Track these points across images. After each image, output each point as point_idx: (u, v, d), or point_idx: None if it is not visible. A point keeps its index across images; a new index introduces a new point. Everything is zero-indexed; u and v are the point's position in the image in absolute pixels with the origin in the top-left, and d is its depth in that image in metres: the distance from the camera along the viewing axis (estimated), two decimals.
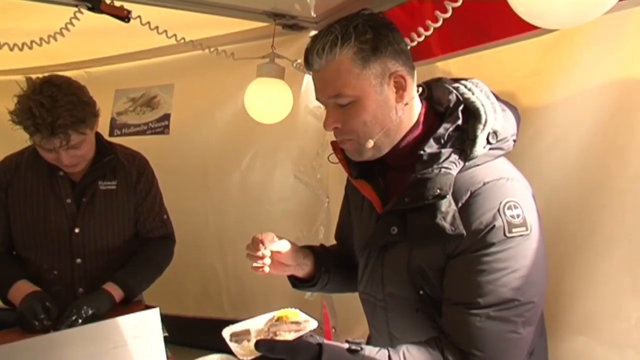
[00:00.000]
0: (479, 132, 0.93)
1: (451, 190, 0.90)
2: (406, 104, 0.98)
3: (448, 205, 0.90)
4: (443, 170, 0.91)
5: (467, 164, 0.93)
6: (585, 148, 1.11)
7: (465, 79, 1.04)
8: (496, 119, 0.95)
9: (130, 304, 1.59)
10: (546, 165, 1.17)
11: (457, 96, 1.00)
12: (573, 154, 1.13)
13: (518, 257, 0.87)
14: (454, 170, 0.92)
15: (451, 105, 0.99)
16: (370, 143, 0.98)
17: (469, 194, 0.90)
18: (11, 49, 1.47)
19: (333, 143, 1.10)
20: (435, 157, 0.93)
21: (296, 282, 1.24)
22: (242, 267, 1.13)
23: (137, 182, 1.69)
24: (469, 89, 1.00)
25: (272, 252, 1.08)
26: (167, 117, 2.39)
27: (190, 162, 2.34)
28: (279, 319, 1.10)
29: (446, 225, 0.89)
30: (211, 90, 2.28)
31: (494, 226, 0.87)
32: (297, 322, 1.07)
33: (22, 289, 1.47)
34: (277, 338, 1.01)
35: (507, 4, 0.83)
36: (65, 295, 1.56)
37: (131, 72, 2.46)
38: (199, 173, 2.35)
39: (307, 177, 2.18)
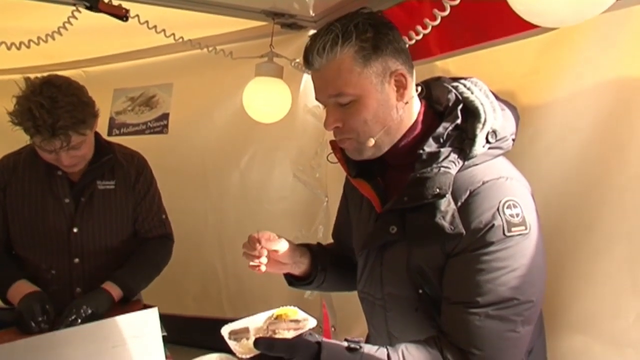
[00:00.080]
0: (478, 131, 0.93)
1: (450, 190, 0.90)
2: (406, 102, 0.98)
3: (447, 205, 0.90)
4: (442, 169, 0.91)
5: (466, 163, 0.93)
6: (584, 147, 1.11)
7: (465, 78, 1.04)
8: (495, 118, 0.96)
9: (129, 304, 1.59)
10: (545, 164, 1.17)
11: (456, 95, 1.00)
12: (572, 153, 1.13)
13: (517, 256, 0.87)
14: (453, 170, 0.92)
15: (450, 104, 0.99)
16: (372, 142, 0.98)
17: (468, 193, 0.90)
18: (8, 48, 1.47)
19: (332, 142, 1.10)
20: (434, 156, 0.93)
21: (292, 280, 1.24)
22: (241, 266, 1.12)
23: (136, 182, 1.68)
24: (468, 88, 1.00)
25: (269, 250, 1.08)
26: (165, 116, 2.39)
27: (189, 162, 2.35)
28: (278, 317, 1.10)
29: (445, 224, 0.89)
30: (210, 90, 2.28)
31: (493, 225, 0.87)
32: (296, 321, 1.07)
33: (21, 288, 1.47)
34: (276, 336, 1.01)
35: (506, 3, 0.83)
36: (63, 295, 1.56)
37: (130, 72, 2.46)
38: (198, 172, 2.35)
39: (306, 176, 2.18)
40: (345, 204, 1.30)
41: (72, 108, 1.38)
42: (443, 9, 1.12)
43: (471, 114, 0.96)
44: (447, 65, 1.45)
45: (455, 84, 1.03)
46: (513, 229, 0.87)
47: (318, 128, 2.09)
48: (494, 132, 0.94)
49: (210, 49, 1.76)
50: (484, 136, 0.93)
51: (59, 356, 1.11)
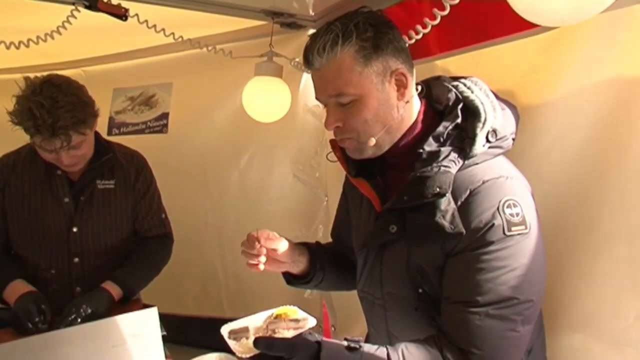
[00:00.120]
0: (478, 130, 0.93)
1: (450, 189, 0.90)
2: (407, 102, 0.97)
3: (447, 204, 0.90)
4: (442, 168, 0.91)
5: (466, 162, 0.93)
6: (584, 146, 1.11)
7: (465, 78, 1.04)
8: (495, 118, 0.96)
9: (129, 303, 1.59)
10: (545, 164, 1.17)
11: (456, 94, 1.00)
12: (572, 152, 1.13)
13: (517, 256, 0.87)
14: (454, 169, 0.92)
15: (450, 103, 0.99)
16: (372, 141, 0.98)
17: (468, 192, 0.90)
18: (8, 48, 1.47)
19: (332, 141, 1.10)
20: (434, 156, 0.93)
21: (290, 278, 1.24)
22: (241, 265, 1.12)
23: (135, 181, 1.68)
24: (468, 88, 1.00)
25: (267, 249, 1.08)
26: (165, 115, 2.39)
27: (188, 161, 2.34)
28: (277, 317, 1.10)
29: (445, 223, 0.89)
30: (209, 89, 2.28)
31: (493, 224, 0.87)
32: (295, 320, 1.07)
33: (17, 288, 1.47)
34: (276, 336, 1.01)
35: (506, 3, 0.83)
36: (63, 294, 1.56)
37: (129, 71, 2.46)
38: (198, 172, 2.35)
39: (306, 175, 2.18)
40: (344, 203, 1.30)
41: (72, 108, 1.38)
42: (443, 8, 1.12)
43: (471, 113, 0.96)
44: (447, 64, 1.44)
45: (455, 83, 1.03)
46: (513, 228, 0.87)
47: (318, 127, 2.09)
48: (494, 131, 0.94)
49: (209, 48, 1.76)
50: (484, 135, 0.93)
51: (59, 355, 1.11)
